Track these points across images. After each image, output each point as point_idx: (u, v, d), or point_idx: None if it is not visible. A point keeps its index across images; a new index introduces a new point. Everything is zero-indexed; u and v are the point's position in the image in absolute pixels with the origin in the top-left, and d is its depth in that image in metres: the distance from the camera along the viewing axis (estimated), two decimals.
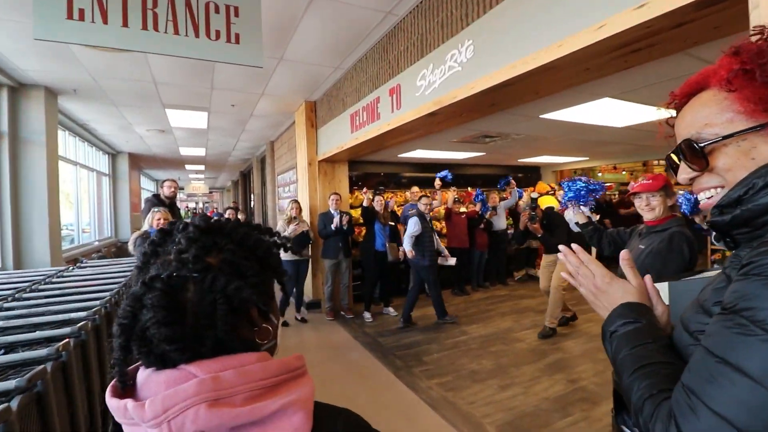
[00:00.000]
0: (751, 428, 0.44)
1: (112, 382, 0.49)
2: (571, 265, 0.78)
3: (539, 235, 4.42)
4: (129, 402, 0.44)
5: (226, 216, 5.70)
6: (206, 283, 0.48)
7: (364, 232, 5.36)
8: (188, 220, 0.54)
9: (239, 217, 5.93)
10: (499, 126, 4.07)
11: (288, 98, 5.16)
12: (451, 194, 5.98)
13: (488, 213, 6.41)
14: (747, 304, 0.49)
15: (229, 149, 9.20)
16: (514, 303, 5.73)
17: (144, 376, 0.48)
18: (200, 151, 9.31)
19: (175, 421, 0.41)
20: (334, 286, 5.07)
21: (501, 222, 6.75)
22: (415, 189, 6.00)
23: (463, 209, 6.32)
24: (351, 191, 5.94)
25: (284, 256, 4.85)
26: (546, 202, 7.46)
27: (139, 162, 10.67)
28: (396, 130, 3.29)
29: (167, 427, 0.41)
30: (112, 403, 0.46)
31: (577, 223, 2.52)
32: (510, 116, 3.66)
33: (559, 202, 2.59)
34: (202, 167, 12.55)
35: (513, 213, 6.95)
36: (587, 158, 7.07)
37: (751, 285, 0.50)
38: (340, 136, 4.48)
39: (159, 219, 3.31)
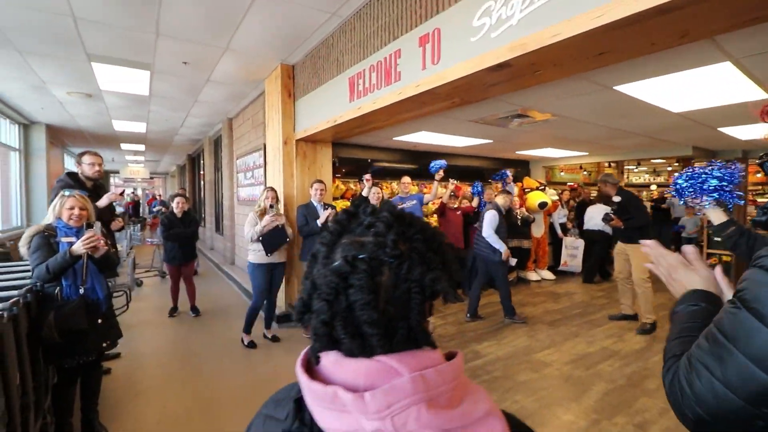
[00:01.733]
0: (730, 385, 0.56)
1: (303, 356, 0.50)
2: (653, 257, 0.87)
3: (623, 228, 4.14)
4: (340, 390, 0.43)
5: (176, 204, 4.52)
6: (402, 269, 0.46)
7: None
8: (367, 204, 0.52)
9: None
10: (547, 100, 3.29)
11: (259, 58, 4.07)
12: (449, 187, 5.20)
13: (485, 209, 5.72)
14: (742, 285, 0.61)
15: (176, 126, 7.78)
16: (517, 312, 5.08)
17: (332, 360, 0.47)
18: (140, 127, 7.80)
19: (399, 417, 0.41)
20: None
21: None
22: (407, 180, 5.15)
23: (461, 203, 5.57)
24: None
25: (254, 257, 3.81)
26: (535, 197, 6.97)
27: (61, 137, 8.86)
28: (427, 94, 2.41)
29: (390, 423, 0.41)
30: (314, 386, 0.45)
31: (710, 226, 1.79)
32: (579, 84, 2.88)
33: (676, 193, 1.83)
34: (141, 147, 10.84)
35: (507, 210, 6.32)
36: (587, 153, 6.62)
37: (750, 271, 0.61)
38: (331, 107, 3.51)
39: (72, 209, 2.20)
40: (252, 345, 3.75)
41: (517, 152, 6.51)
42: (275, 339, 3.91)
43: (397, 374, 0.43)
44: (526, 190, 6.81)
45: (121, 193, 2.94)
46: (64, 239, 2.21)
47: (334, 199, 5.17)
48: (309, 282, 0.50)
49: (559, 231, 7.15)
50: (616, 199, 4.10)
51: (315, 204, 4.00)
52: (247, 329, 3.80)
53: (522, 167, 7.52)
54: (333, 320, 0.46)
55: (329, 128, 3.59)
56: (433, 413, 0.41)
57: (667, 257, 0.84)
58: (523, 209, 6.58)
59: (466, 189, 6.33)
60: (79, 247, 2.11)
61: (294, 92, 4.30)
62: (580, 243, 7.20)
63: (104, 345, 2.44)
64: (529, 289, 6.25)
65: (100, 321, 2.32)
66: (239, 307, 5.16)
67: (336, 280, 0.46)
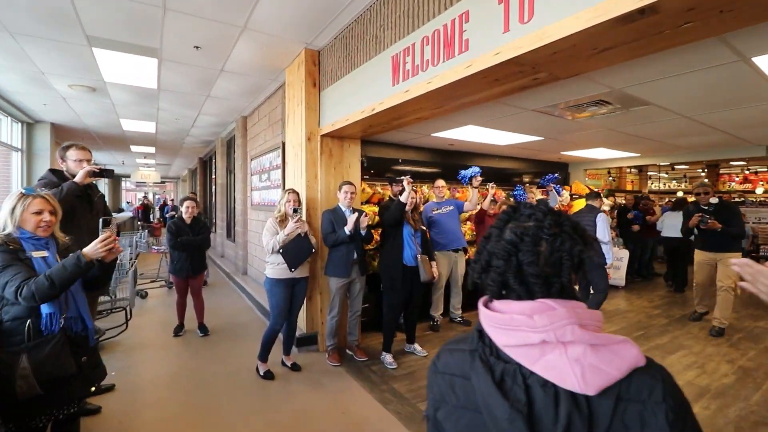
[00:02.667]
0: None
1: (483, 300, 0.72)
2: (749, 275, 0.91)
3: (719, 230, 4.03)
4: (515, 315, 0.64)
5: (185, 209, 4.02)
6: (556, 243, 0.66)
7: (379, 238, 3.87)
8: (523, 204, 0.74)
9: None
10: (649, 78, 2.63)
11: (280, 41, 3.54)
12: (490, 192, 4.60)
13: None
14: None
15: (187, 126, 7.32)
16: None
17: (503, 303, 0.68)
18: (149, 126, 7.36)
19: (559, 331, 0.61)
20: (341, 315, 3.51)
21: None
22: (441, 183, 4.56)
23: (500, 209, 4.96)
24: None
25: (273, 271, 3.22)
26: (582, 205, 6.32)
27: (67, 137, 8.47)
28: (507, 66, 1.83)
29: (553, 334, 0.61)
30: (494, 314, 0.67)
31: None
32: (709, 53, 2.27)
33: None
34: (152, 149, 10.44)
35: None
36: (639, 155, 5.96)
37: None
38: (366, 94, 2.94)
39: (40, 213, 1.65)
40: (269, 375, 3.17)
41: (562, 153, 5.88)
42: (295, 368, 3.33)
43: (554, 309, 0.63)
44: (574, 196, 6.18)
45: (99, 172, 2.33)
46: (36, 254, 1.67)
47: (361, 203, 4.60)
48: (486, 252, 0.71)
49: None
50: (714, 200, 4.08)
51: (343, 209, 3.43)
52: (264, 356, 3.23)
53: (561, 170, 6.88)
54: (506, 273, 0.68)
55: (363, 120, 3.03)
56: (585, 332, 0.61)
57: (765, 273, 0.89)
58: None
59: (501, 194, 5.73)
60: (96, 249, 1.60)
61: (319, 81, 3.75)
62: (625, 254, 6.56)
63: (91, 390, 1.89)
64: None
65: (84, 359, 1.76)
66: (252, 324, 4.59)
67: (509, 247, 0.68)
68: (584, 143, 5.06)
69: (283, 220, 3.18)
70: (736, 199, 9.62)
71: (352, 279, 3.44)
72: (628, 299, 5.90)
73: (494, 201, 4.78)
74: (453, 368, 0.71)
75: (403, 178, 3.40)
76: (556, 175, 5.08)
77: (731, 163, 10.05)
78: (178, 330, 4.19)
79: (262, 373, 3.18)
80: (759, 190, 9.94)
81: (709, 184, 4.15)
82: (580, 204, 6.07)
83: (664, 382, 0.61)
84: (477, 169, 4.27)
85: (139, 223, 13.64)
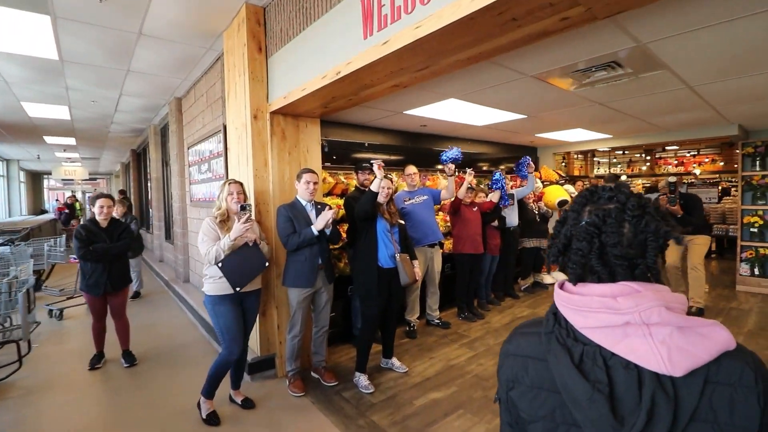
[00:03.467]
0: None
1: (563, 282, 0.70)
2: None
3: (679, 216, 4.31)
4: (596, 297, 0.62)
5: (98, 209, 3.21)
6: (641, 224, 0.64)
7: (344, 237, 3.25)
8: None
9: (115, 211, 3.37)
10: (683, 28, 2.16)
11: None
12: (467, 179, 4.10)
13: (508, 204, 4.70)
14: None
15: (108, 111, 6.20)
16: None
17: (581, 286, 0.67)
18: (61, 112, 6.16)
19: (644, 312, 0.58)
20: (304, 333, 2.87)
21: (514, 216, 5.09)
22: (413, 169, 4.01)
23: (481, 199, 4.49)
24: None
25: (214, 286, 1.91)
26: (556, 194, 6.03)
27: None
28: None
29: (639, 316, 0.58)
30: (574, 297, 0.65)
31: None
32: None
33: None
34: (71, 140, 9.00)
35: (521, 205, 5.30)
36: (611, 136, 5.74)
37: None
38: (330, 53, 2.29)
39: None
40: (213, 420, 2.47)
41: (536, 135, 5.52)
42: (248, 404, 2.65)
43: (638, 292, 0.61)
44: (545, 183, 5.88)
45: None
46: None
47: (322, 196, 3.94)
48: (563, 236, 0.70)
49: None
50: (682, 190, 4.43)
51: (303, 203, 2.77)
52: (210, 392, 2.53)
53: (530, 154, 6.58)
54: (589, 255, 0.66)
55: (324, 89, 2.38)
56: (672, 314, 0.58)
57: None
58: (542, 203, 5.63)
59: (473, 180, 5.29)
60: None
61: (266, 45, 3.03)
62: None
63: None
64: (549, 295, 5.30)
65: None
66: (195, 346, 3.81)
67: (592, 229, 0.66)
68: (564, 122, 4.71)
69: (225, 220, 2.47)
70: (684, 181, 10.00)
71: (318, 289, 2.80)
72: None
73: (471, 188, 4.31)
74: (526, 350, 0.71)
75: (373, 162, 2.79)
76: (527, 158, 4.67)
77: (666, 148, 10.50)
78: (96, 361, 3.33)
79: (204, 416, 2.48)
80: (697, 171, 10.36)
81: (676, 182, 4.46)
82: (553, 191, 5.79)
83: (756, 366, 0.58)
84: (458, 152, 3.75)
85: (62, 227, 11.98)
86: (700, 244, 4.52)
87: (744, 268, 5.74)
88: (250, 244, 2.47)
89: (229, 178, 2.71)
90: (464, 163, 4.97)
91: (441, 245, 4.22)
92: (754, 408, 0.56)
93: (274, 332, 3.08)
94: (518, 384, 0.71)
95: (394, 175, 4.62)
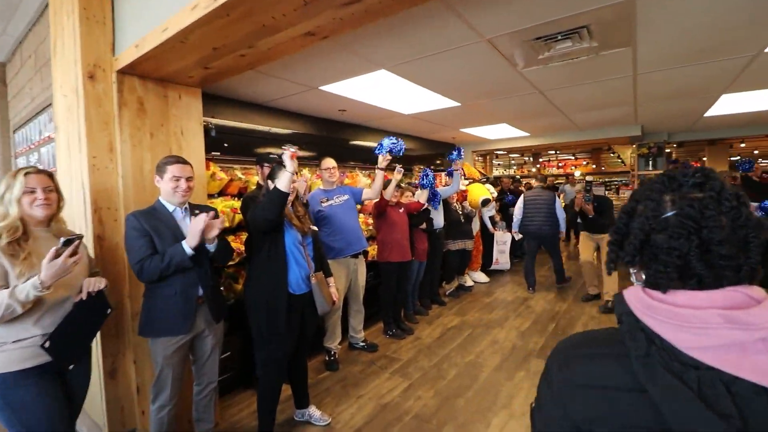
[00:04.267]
0: None
1: (641, 290, 0.59)
2: None
3: (590, 216, 4.42)
4: (715, 310, 0.51)
5: None
6: (741, 218, 0.54)
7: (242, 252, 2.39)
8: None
9: None
10: None
11: None
12: (396, 176, 3.48)
13: (438, 206, 4.22)
14: None
15: None
16: (490, 340, 3.70)
17: (678, 293, 0.55)
18: None
19: None
20: (179, 399, 1.95)
21: (440, 217, 4.65)
22: (331, 163, 3.26)
23: (408, 199, 3.91)
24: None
25: (8, 356, 1.42)
26: (479, 192, 5.77)
27: None
28: None
29: None
30: (683, 311, 0.53)
31: None
32: None
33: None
34: None
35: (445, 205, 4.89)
36: (529, 134, 5.64)
37: None
38: None
39: None
40: None
41: (461, 129, 5.16)
42: None
43: (754, 300, 0.52)
44: (468, 180, 5.57)
45: None
46: None
47: (212, 197, 2.98)
48: (638, 230, 0.59)
49: (490, 226, 6.15)
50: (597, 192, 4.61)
51: (170, 208, 1.86)
52: None
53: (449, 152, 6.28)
54: (689, 254, 0.54)
55: (201, 29, 1.52)
56: None
57: None
58: (466, 203, 5.31)
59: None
60: None
61: None
62: (508, 237, 6.38)
63: None
64: (475, 299, 5.01)
65: None
66: None
67: (690, 223, 0.54)
68: (494, 115, 4.38)
69: (18, 241, 1.45)
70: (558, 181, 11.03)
71: (198, 333, 1.91)
72: (521, 284, 5.66)
73: (399, 187, 3.72)
74: (606, 379, 0.57)
75: (284, 149, 1.99)
76: (459, 149, 4.20)
77: (549, 152, 11.76)
78: None
79: None
80: (577, 173, 11.41)
81: (592, 181, 4.65)
82: (476, 189, 5.54)
83: None
84: (399, 143, 3.04)
85: None
86: (590, 240, 4.71)
87: None
88: (92, 294, 1.51)
89: (28, 167, 1.62)
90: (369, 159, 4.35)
91: (365, 254, 3.56)
92: None
93: (131, 398, 2.10)
94: (601, 425, 0.57)
95: (306, 171, 3.84)
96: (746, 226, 0.53)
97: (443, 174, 4.92)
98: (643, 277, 0.60)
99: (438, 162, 5.99)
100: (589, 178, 11.10)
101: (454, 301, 5.04)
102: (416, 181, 4.36)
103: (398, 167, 3.46)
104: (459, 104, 3.63)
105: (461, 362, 3.29)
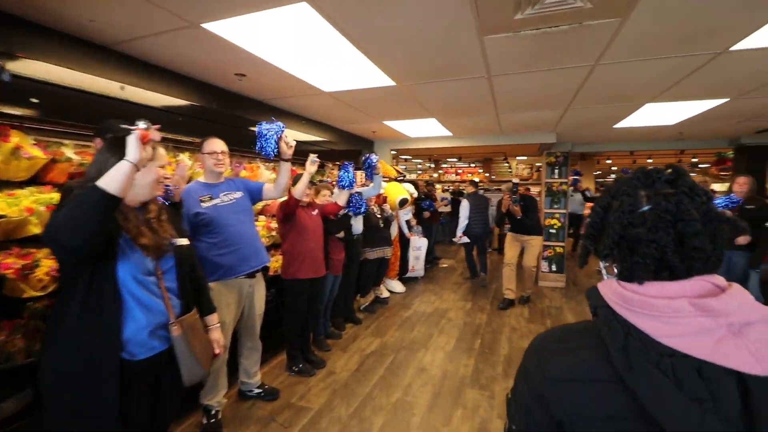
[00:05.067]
0: None
1: (615, 282, 0.61)
2: None
3: (518, 217, 4.49)
4: (686, 299, 0.53)
5: None
6: (711, 213, 0.56)
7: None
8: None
9: None
10: None
11: None
12: (310, 168, 2.65)
13: (364, 211, 3.48)
14: None
15: None
16: (417, 367, 3.12)
17: (650, 285, 0.57)
18: None
19: (747, 313, 0.52)
20: None
21: (359, 223, 3.97)
22: (219, 146, 2.33)
23: (324, 199, 3.11)
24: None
25: None
26: (397, 192, 5.21)
27: None
28: None
29: (741, 316, 0.51)
30: (645, 299, 0.55)
31: None
32: None
33: None
34: None
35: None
36: (451, 134, 5.26)
37: None
38: None
39: None
40: None
41: (384, 122, 4.51)
42: None
43: (719, 288, 0.54)
44: (384, 179, 4.98)
45: None
46: None
47: (16, 185, 1.83)
48: (617, 225, 0.60)
49: (406, 230, 5.71)
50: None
51: None
52: None
53: (368, 148, 5.64)
54: (666, 246, 0.55)
55: None
56: (764, 307, 0.53)
57: None
58: (386, 206, 4.72)
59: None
60: None
61: None
62: (424, 242, 6.05)
63: None
64: (395, 310, 4.45)
65: None
66: None
67: (668, 217, 0.56)
68: (423, 107, 3.80)
69: None
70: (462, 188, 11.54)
71: None
72: (437, 294, 5.33)
73: (312, 183, 2.93)
74: (586, 372, 0.58)
75: (136, 126, 1.07)
76: (372, 156, 3.48)
77: (448, 159, 12.41)
78: None
79: None
80: (476, 180, 12.01)
81: (518, 183, 4.71)
82: (394, 189, 5.00)
83: None
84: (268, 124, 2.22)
85: None
86: (535, 246, 4.75)
87: (544, 266, 6.24)
88: None
89: None
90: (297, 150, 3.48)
91: (266, 270, 2.69)
92: None
93: None
94: (581, 417, 0.57)
95: (183, 156, 2.81)
96: (715, 219, 0.57)
97: (359, 173, 4.23)
98: (615, 270, 0.62)
99: (352, 161, 5.35)
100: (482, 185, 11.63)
101: (371, 317, 4.41)
102: (329, 179, 3.59)
103: (312, 157, 2.66)
104: (393, 84, 2.94)
105: (387, 404, 2.65)
